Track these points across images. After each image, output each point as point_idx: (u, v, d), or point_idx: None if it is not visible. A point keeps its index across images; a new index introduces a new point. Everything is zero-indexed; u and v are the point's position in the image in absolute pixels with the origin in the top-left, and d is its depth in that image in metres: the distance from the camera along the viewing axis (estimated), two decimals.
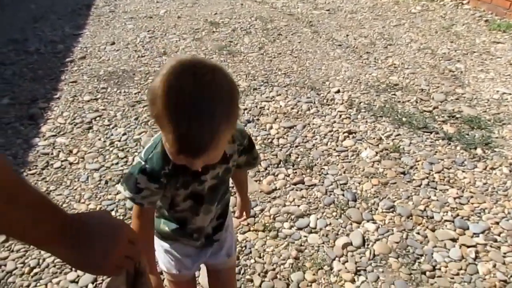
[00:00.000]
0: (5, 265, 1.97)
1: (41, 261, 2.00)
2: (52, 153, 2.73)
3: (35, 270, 1.95)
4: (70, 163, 2.64)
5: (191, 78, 0.83)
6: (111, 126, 3.01)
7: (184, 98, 0.82)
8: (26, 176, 2.52)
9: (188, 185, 1.11)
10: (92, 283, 1.90)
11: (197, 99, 0.82)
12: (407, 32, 4.72)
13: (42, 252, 2.02)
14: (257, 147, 2.72)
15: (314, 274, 1.92)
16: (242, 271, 1.94)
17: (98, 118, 3.10)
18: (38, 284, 1.88)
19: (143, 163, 1.05)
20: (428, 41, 4.49)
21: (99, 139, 2.87)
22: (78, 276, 1.93)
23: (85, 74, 3.74)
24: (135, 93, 3.44)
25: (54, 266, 1.97)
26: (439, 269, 1.95)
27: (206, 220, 1.23)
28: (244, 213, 1.53)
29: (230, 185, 1.34)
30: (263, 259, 2.01)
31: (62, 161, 2.66)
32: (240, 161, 1.22)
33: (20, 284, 1.88)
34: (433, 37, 4.60)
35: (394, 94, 3.49)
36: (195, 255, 1.33)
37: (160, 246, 1.32)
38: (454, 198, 2.36)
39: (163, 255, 1.33)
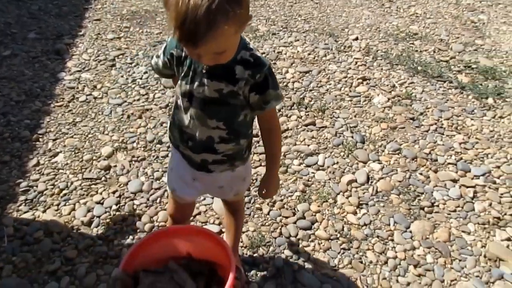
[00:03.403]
0: (36, 186, 2.14)
1: (69, 184, 2.16)
2: (77, 87, 2.88)
3: (64, 192, 2.12)
4: (95, 98, 2.79)
5: None
6: (133, 65, 3.13)
7: None
8: (54, 108, 2.68)
9: (189, 80, 1.18)
10: (116, 204, 2.06)
11: None
12: None
13: (70, 176, 2.20)
14: None
15: (319, 206, 2.07)
16: (251, 201, 2.09)
17: (121, 56, 3.21)
18: (67, 203, 2.05)
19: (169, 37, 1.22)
20: None
21: (122, 76, 2.99)
22: (103, 198, 2.09)
23: (109, 12, 3.83)
24: (157, 33, 3.52)
25: (82, 189, 2.14)
26: (437, 205, 2.08)
27: (201, 132, 1.25)
28: (264, 190, 1.44)
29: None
30: None
31: (87, 95, 2.81)
32: (252, 100, 1.18)
33: (51, 203, 2.05)
34: None
35: (413, 43, 3.50)
36: (192, 175, 1.40)
37: (172, 158, 1.47)
38: (460, 144, 2.45)
39: (169, 169, 1.49)
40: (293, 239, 1.89)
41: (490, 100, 2.80)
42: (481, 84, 2.96)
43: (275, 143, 1.36)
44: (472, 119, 2.65)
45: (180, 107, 1.26)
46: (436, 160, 2.34)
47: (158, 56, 1.27)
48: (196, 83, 1.17)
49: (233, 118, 1.23)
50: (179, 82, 1.21)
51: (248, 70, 1.13)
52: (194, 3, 0.87)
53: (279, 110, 2.69)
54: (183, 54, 1.17)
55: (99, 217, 1.98)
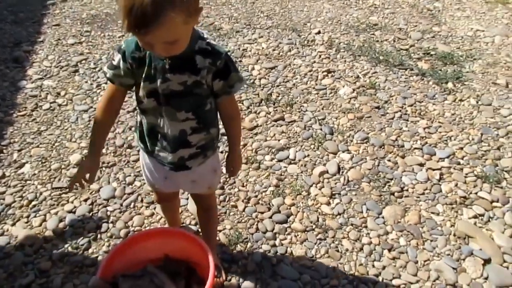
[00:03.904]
0: (3, 199, 2.09)
1: (38, 194, 2.12)
2: (40, 95, 2.81)
3: (33, 203, 2.07)
4: (59, 105, 2.73)
5: None
6: (97, 69, 3.07)
7: None
8: (16, 118, 2.61)
9: (152, 80, 1.19)
10: (88, 212, 2.03)
11: None
12: None
13: (39, 186, 2.15)
14: None
15: (293, 199, 2.10)
16: (226, 199, 2.10)
17: (83, 61, 3.15)
18: (37, 215, 2.01)
19: (122, 43, 1.20)
20: None
21: (86, 82, 2.94)
22: (74, 207, 2.05)
23: (68, 17, 3.75)
24: (119, 37, 3.47)
25: (52, 198, 2.09)
26: (407, 190, 2.15)
27: (173, 127, 1.27)
28: (232, 168, 1.50)
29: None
30: (246, 188, 2.17)
31: (51, 103, 2.74)
32: (216, 87, 1.23)
33: (20, 215, 2.00)
34: None
35: (373, 34, 3.57)
36: (164, 174, 1.43)
37: (142, 160, 1.49)
38: (424, 128, 2.53)
39: (142, 168, 1.51)
40: (269, 233, 1.91)
41: (450, 85, 2.90)
42: (440, 70, 3.06)
43: (237, 127, 1.42)
44: (434, 104, 2.73)
45: (147, 109, 1.27)
46: (403, 146, 2.41)
47: (115, 67, 1.23)
48: (159, 80, 1.19)
49: (201, 107, 1.26)
50: (141, 85, 1.22)
51: (208, 59, 1.17)
52: None
53: (248, 107, 2.71)
54: (142, 55, 1.19)
55: (72, 226, 1.95)
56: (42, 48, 3.30)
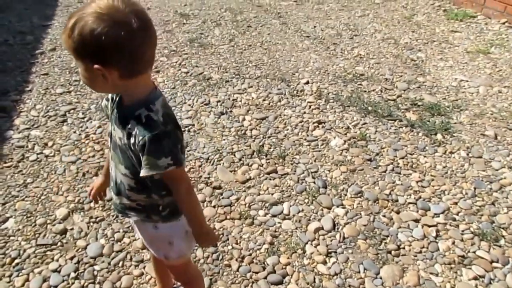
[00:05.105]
0: None
1: (22, 251, 2.03)
2: (27, 146, 2.75)
3: (16, 261, 1.98)
4: (46, 156, 2.67)
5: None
6: (85, 119, 3.04)
7: None
8: (2, 169, 2.54)
9: (111, 122, 1.25)
10: (74, 271, 1.94)
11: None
12: (371, 23, 4.90)
13: (23, 242, 2.07)
14: (231, 138, 2.85)
15: (288, 258, 2.04)
16: (220, 257, 2.04)
17: (72, 111, 3.12)
18: (20, 274, 1.92)
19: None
20: (391, 31, 4.68)
21: (74, 132, 2.89)
22: (59, 265, 1.97)
23: (56, 66, 3.73)
24: None
25: (36, 256, 2.01)
26: (403, 248, 2.11)
27: (116, 173, 1.28)
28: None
29: None
30: (239, 245, 2.11)
31: (37, 154, 2.68)
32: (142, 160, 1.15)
33: (2, 274, 1.91)
34: (395, 27, 4.79)
35: (360, 84, 3.63)
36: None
37: None
38: (417, 182, 2.53)
39: None
40: None
41: (439, 136, 2.94)
42: (428, 121, 3.11)
43: (182, 204, 1.29)
44: (425, 156, 2.75)
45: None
46: (397, 200, 2.40)
47: (107, 99, 1.28)
48: (111, 126, 1.24)
49: (137, 170, 1.18)
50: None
51: (137, 128, 1.11)
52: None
53: (240, 159, 2.69)
54: (114, 96, 1.24)
55: (56, 286, 1.87)
56: (30, 97, 3.26)
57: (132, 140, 1.13)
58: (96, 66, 1.02)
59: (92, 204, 2.31)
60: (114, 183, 1.32)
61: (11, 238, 2.10)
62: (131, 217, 1.37)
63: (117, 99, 1.22)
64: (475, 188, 2.47)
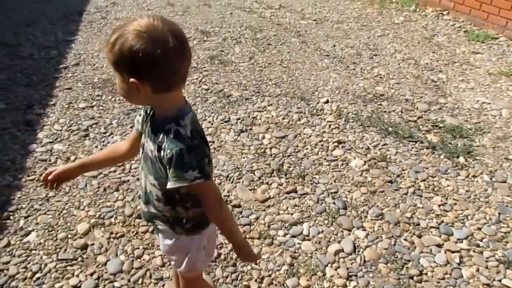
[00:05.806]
0: (7, 270, 2.01)
1: (43, 266, 2.04)
2: (50, 160, 2.78)
3: (37, 275, 2.00)
4: None
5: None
6: (107, 134, 3.07)
7: None
8: (25, 182, 2.57)
9: (144, 135, 1.30)
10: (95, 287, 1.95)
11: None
12: (391, 43, 4.89)
13: (44, 257, 2.08)
14: (250, 156, 2.86)
15: (308, 280, 2.02)
16: (239, 277, 2.03)
17: (94, 126, 3.16)
18: None
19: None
20: (412, 52, 4.66)
21: (96, 147, 2.93)
22: (80, 281, 1.98)
23: (80, 81, 3.80)
24: None
25: (56, 271, 2.02)
26: (426, 273, 2.07)
27: (146, 182, 1.33)
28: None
29: None
30: (259, 266, 2.10)
31: None
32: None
33: None
34: (416, 48, 4.78)
35: (380, 104, 3.62)
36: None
37: None
38: (439, 205, 2.49)
39: None
40: None
41: (461, 159, 2.90)
42: (450, 143, 3.07)
43: (213, 218, 1.36)
44: (447, 179, 2.71)
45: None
46: (419, 224, 2.36)
47: (140, 114, 1.36)
48: (144, 138, 1.29)
49: (165, 182, 1.21)
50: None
51: (166, 142, 1.16)
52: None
53: (259, 178, 2.69)
54: (148, 110, 1.31)
55: None
56: (54, 111, 3.32)
57: (161, 153, 1.18)
58: (131, 79, 1.10)
59: (112, 220, 2.32)
60: (143, 192, 1.36)
61: (33, 251, 2.12)
62: (158, 226, 1.41)
63: (151, 113, 1.29)
64: (499, 214, 2.43)
